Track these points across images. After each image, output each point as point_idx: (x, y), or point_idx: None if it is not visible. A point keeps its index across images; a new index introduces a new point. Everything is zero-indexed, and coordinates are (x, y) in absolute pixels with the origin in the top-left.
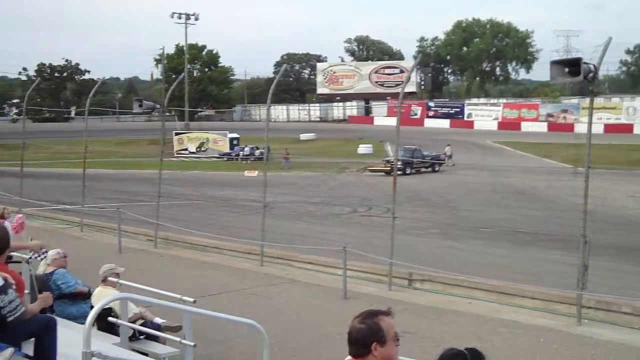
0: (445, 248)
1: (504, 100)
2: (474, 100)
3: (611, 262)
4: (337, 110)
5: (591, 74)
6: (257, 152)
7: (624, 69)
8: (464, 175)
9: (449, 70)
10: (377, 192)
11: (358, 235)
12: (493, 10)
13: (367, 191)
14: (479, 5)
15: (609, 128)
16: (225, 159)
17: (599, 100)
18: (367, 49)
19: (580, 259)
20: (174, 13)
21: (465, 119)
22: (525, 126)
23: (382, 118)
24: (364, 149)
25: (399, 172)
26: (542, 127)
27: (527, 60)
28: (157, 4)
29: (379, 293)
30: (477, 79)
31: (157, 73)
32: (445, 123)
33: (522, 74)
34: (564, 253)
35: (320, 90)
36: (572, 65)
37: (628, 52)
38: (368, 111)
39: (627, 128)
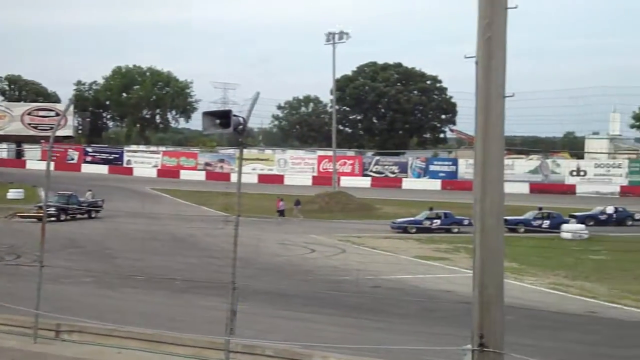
0: (100, 297)
1: (164, 148)
2: (134, 147)
3: (260, 307)
4: None
5: (241, 126)
6: None
7: (276, 123)
8: (122, 223)
9: (109, 116)
10: (27, 239)
11: (2, 285)
12: (153, 59)
13: (17, 238)
14: (139, 51)
15: (263, 178)
16: None
17: (254, 152)
18: (19, 89)
19: (230, 305)
20: None
21: (125, 165)
22: (184, 174)
23: (36, 162)
24: (14, 193)
25: (53, 219)
26: (201, 175)
27: (186, 109)
28: None
29: (23, 347)
30: (138, 125)
31: None
32: (103, 169)
33: (182, 123)
34: (219, 300)
35: None
36: (223, 117)
37: (279, 107)
38: (20, 154)
39: (279, 179)
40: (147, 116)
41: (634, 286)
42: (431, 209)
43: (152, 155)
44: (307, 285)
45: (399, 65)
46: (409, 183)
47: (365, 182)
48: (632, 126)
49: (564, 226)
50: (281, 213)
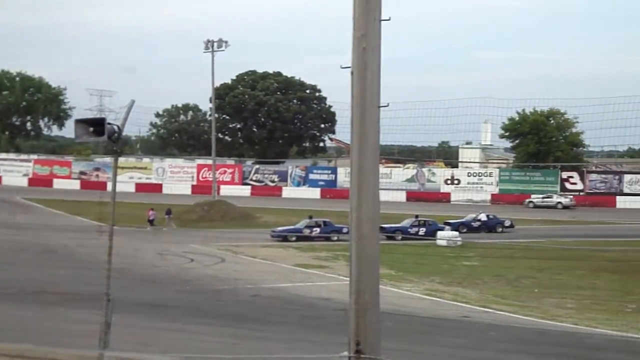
0: None
1: (35, 156)
2: (3, 155)
3: (137, 318)
4: None
5: (115, 135)
6: None
7: (154, 131)
8: None
9: None
10: None
11: None
12: (24, 64)
13: None
14: (9, 57)
15: (140, 187)
16: None
17: (131, 160)
18: None
19: (104, 317)
20: None
21: None
22: (58, 183)
23: None
24: None
25: None
26: (75, 184)
27: (59, 116)
28: None
29: None
30: (7, 132)
31: None
32: None
33: (55, 130)
34: (93, 312)
35: None
36: (97, 125)
37: (158, 115)
38: None
39: (157, 187)
40: (17, 123)
41: (504, 291)
42: (311, 217)
43: (23, 164)
44: (186, 296)
45: (279, 74)
46: (289, 192)
47: (245, 190)
48: (502, 136)
49: (439, 233)
50: (151, 222)
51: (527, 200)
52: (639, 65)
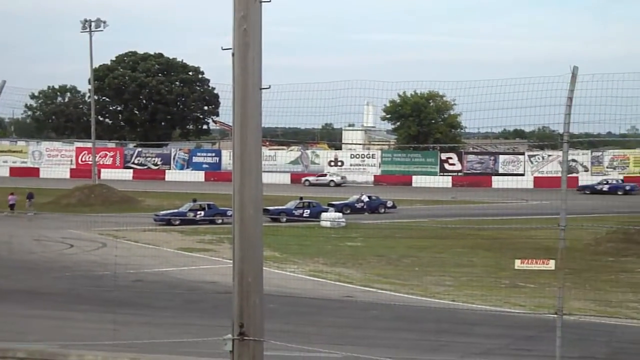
0: None
1: None
2: None
3: (13, 307)
4: None
5: None
6: None
7: (30, 113)
8: None
9: None
10: None
11: None
12: None
13: None
14: None
15: (15, 171)
16: None
17: (5, 143)
18: None
19: None
20: None
21: None
22: None
23: None
24: None
25: None
26: None
27: None
28: None
29: None
30: None
31: None
32: None
33: None
34: None
35: None
36: None
37: (33, 96)
38: None
39: (34, 172)
40: None
41: (386, 270)
42: (195, 200)
43: None
44: (65, 282)
45: (160, 55)
46: (173, 175)
47: (127, 174)
48: (384, 118)
49: (323, 215)
50: (12, 207)
51: (304, 178)
52: (517, 50)
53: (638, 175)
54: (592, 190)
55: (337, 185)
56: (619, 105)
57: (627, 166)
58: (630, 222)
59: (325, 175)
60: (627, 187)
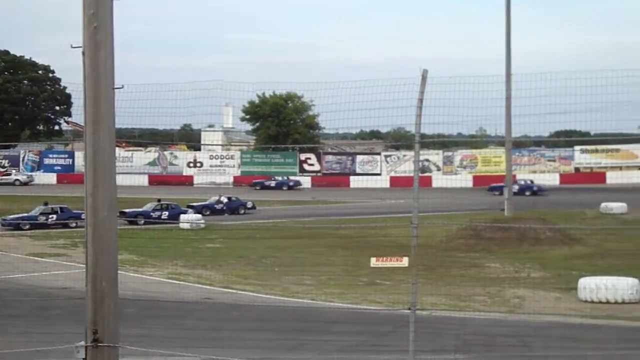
0: None
1: None
2: None
3: None
4: None
5: None
6: None
7: None
8: None
9: None
10: None
11: None
12: None
13: None
14: None
15: None
16: None
17: None
18: None
19: None
20: None
21: None
22: None
23: None
24: None
25: None
26: None
27: None
28: None
29: None
30: None
31: None
32: None
33: None
34: None
35: None
36: None
37: None
38: None
39: None
40: None
41: (246, 271)
42: (46, 203)
43: None
44: None
45: (6, 53)
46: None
47: None
48: (243, 119)
49: (182, 216)
50: None
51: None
52: (386, 52)
53: (485, 174)
54: (500, 191)
55: (24, 184)
56: (469, 107)
57: (476, 165)
58: (478, 218)
59: (10, 174)
60: (535, 188)
